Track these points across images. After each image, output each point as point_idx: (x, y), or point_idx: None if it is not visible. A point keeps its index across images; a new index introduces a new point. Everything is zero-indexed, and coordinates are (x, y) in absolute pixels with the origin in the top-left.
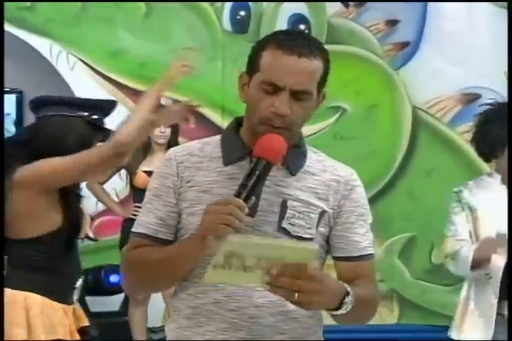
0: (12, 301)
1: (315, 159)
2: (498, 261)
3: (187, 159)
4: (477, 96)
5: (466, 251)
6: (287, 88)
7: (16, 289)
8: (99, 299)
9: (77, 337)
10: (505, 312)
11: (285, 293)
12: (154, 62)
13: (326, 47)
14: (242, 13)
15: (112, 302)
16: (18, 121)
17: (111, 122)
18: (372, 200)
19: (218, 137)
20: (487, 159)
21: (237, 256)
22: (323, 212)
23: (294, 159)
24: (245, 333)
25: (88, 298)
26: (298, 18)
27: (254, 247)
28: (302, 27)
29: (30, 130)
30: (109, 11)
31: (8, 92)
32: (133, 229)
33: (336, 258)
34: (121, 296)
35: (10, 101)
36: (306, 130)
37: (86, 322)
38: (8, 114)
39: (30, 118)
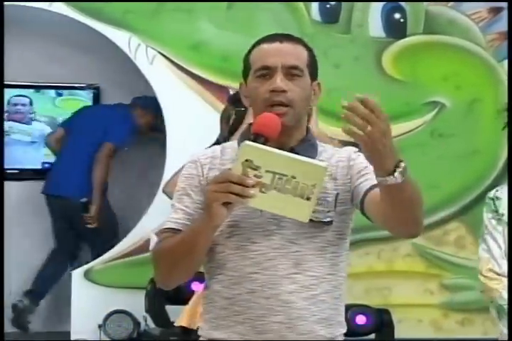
0: None
1: (323, 150)
2: None
3: (210, 161)
4: None
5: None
6: (279, 67)
7: None
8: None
9: None
10: None
11: (358, 123)
12: (238, 55)
13: (424, 37)
14: (332, 1)
15: None
16: None
17: (190, 116)
18: (473, 204)
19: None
20: None
21: (253, 167)
22: (337, 194)
23: (305, 152)
24: (282, 317)
25: (168, 307)
26: (392, 7)
27: (269, 156)
28: (397, 16)
29: None
30: (190, 1)
31: (83, 88)
32: (162, 227)
33: (365, 196)
34: None
35: (86, 97)
36: (402, 127)
37: None
38: None
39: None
